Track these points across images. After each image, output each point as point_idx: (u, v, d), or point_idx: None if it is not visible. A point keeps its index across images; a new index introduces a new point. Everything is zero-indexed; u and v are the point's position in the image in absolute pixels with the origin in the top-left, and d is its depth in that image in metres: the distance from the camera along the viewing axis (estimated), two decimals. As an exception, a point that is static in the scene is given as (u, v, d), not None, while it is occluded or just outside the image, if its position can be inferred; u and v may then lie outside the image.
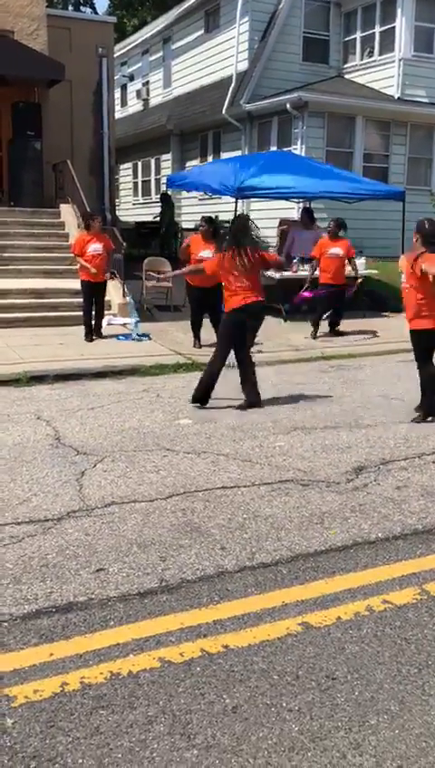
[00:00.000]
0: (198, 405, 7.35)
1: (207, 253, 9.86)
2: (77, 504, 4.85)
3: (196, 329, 10.55)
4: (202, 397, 7.36)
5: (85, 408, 7.35)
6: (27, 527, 4.46)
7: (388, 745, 2.69)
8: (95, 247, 10.56)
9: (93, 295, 10.71)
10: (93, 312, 10.79)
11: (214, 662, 3.16)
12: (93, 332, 10.74)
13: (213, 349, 7.77)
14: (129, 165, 25.48)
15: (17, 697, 2.91)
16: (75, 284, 11.27)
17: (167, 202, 19.02)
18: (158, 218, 19.86)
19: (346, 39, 19.36)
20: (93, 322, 10.79)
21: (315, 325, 11.56)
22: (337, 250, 11.45)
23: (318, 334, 11.55)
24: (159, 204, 19.79)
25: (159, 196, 21.36)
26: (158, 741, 2.68)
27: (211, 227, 10.24)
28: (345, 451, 6.05)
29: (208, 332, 9.91)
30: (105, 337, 10.84)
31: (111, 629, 3.38)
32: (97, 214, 11.99)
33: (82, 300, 10.82)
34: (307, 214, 13.98)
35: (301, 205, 15.17)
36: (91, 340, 10.58)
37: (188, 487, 5.18)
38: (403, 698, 2.95)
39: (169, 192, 18.37)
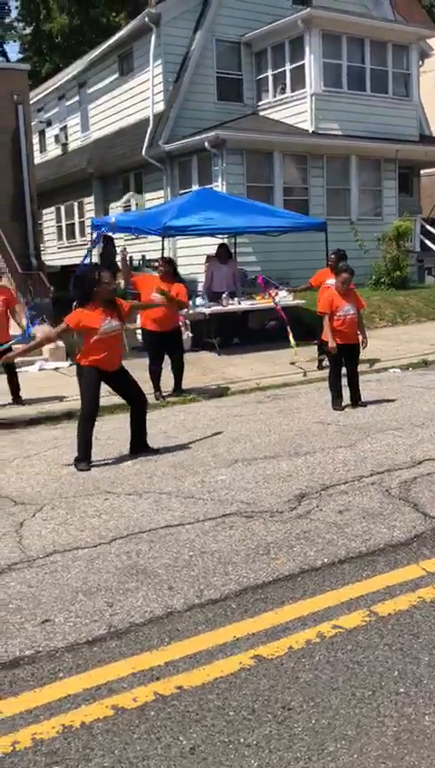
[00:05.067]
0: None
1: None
2: (17, 555, 4.74)
3: (155, 378, 9.65)
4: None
5: (21, 457, 7.22)
6: (-32, 583, 4.33)
7: (348, 772, 2.68)
8: None
9: None
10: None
11: (168, 704, 3.11)
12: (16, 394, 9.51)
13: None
14: (52, 209, 25.42)
15: (-34, 762, 2.81)
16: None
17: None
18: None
19: (258, 77, 19.91)
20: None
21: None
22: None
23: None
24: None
25: (84, 239, 21.28)
26: (115, 792, 2.62)
27: (171, 268, 9.84)
28: (286, 480, 6.08)
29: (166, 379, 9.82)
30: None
31: (60, 681, 3.30)
32: None
33: None
34: (222, 249, 14.21)
35: (225, 241, 15.40)
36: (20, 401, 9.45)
37: (132, 529, 5.12)
38: (359, 722, 2.96)
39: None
